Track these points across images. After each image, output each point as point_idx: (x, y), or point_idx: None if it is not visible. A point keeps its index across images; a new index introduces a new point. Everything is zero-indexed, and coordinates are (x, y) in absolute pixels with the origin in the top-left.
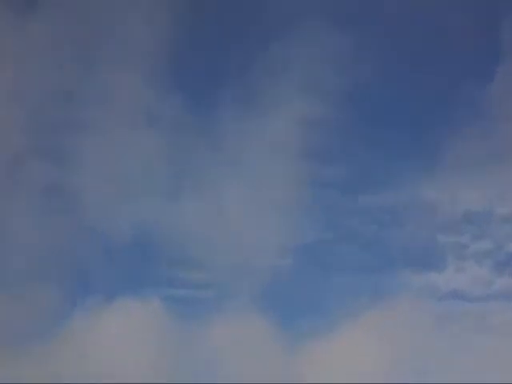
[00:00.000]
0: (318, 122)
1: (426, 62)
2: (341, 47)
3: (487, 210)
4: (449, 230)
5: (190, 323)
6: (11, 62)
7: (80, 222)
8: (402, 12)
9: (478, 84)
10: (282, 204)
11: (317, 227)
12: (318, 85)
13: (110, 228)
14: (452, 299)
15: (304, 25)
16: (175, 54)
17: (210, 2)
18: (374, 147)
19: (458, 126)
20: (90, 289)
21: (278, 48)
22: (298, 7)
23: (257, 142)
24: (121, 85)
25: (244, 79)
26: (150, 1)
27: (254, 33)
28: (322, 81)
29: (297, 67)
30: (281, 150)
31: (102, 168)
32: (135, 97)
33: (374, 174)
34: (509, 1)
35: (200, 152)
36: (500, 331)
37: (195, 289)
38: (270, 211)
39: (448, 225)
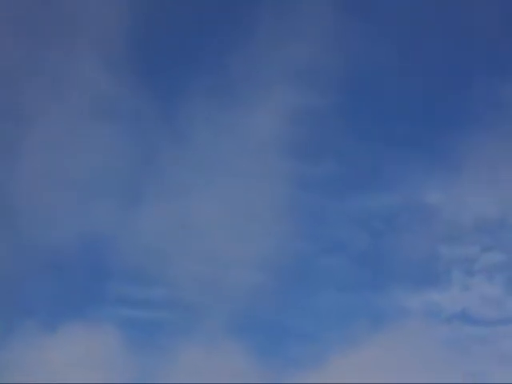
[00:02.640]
0: (305, 114)
1: (441, 47)
2: (339, 26)
3: (500, 218)
4: (455, 240)
5: (150, 351)
6: None
7: (14, 230)
8: None
9: (500, 77)
10: (259, 209)
11: (299, 236)
12: (307, 70)
13: (52, 238)
14: (458, 322)
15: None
16: (139, 33)
17: None
18: (369, 142)
19: (471, 122)
20: (28, 312)
21: (263, 27)
22: None
23: (231, 138)
24: (71, 69)
25: (220, 65)
26: None
27: (233, 9)
28: (313, 66)
29: (284, 49)
30: (258, 146)
31: (43, 166)
32: (88, 83)
33: (367, 173)
34: None
35: (164, 149)
36: None
37: (156, 309)
38: (244, 218)
39: (454, 234)
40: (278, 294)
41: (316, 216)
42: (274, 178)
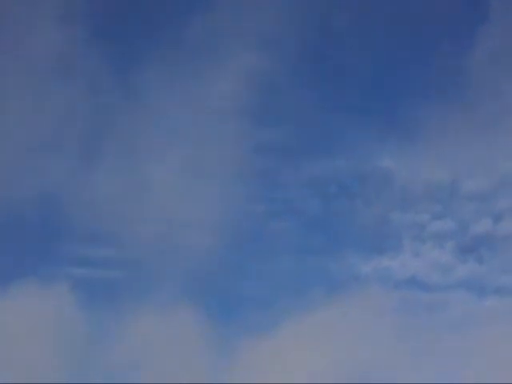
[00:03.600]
0: (262, 80)
1: (401, 18)
2: None
3: (451, 185)
4: (406, 206)
5: (104, 311)
6: None
7: None
8: None
9: (458, 49)
10: (214, 172)
11: (252, 200)
12: (267, 38)
13: (5, 197)
14: (408, 288)
15: None
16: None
17: None
18: (324, 109)
19: (425, 91)
20: None
21: None
22: None
23: (188, 101)
24: (29, 29)
25: (179, 29)
26: None
27: None
28: (272, 34)
29: (243, 17)
30: (215, 110)
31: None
32: (46, 44)
33: (321, 138)
34: None
35: (121, 112)
36: (462, 325)
37: (111, 270)
38: (198, 180)
39: (405, 201)
40: (231, 257)
41: (270, 180)
42: (230, 142)
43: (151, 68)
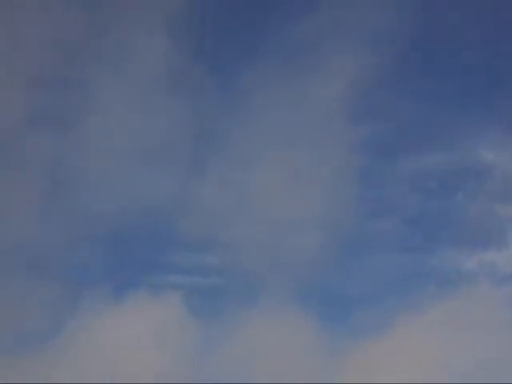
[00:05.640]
0: (362, 76)
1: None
2: None
3: None
4: (509, 198)
5: (213, 318)
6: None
7: (79, 201)
8: None
9: None
10: (314, 173)
11: (351, 199)
12: (369, 34)
13: (117, 208)
14: None
15: None
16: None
17: None
18: (421, 99)
19: None
20: (94, 281)
21: None
22: None
23: (289, 102)
24: (137, 45)
25: (282, 35)
26: None
27: None
28: (375, 30)
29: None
30: (315, 109)
31: (107, 138)
32: (151, 55)
33: (417, 131)
34: None
35: (226, 117)
36: None
37: (218, 276)
38: (299, 181)
39: (508, 193)
40: (334, 257)
41: (369, 178)
42: (328, 141)
43: (256, 78)
